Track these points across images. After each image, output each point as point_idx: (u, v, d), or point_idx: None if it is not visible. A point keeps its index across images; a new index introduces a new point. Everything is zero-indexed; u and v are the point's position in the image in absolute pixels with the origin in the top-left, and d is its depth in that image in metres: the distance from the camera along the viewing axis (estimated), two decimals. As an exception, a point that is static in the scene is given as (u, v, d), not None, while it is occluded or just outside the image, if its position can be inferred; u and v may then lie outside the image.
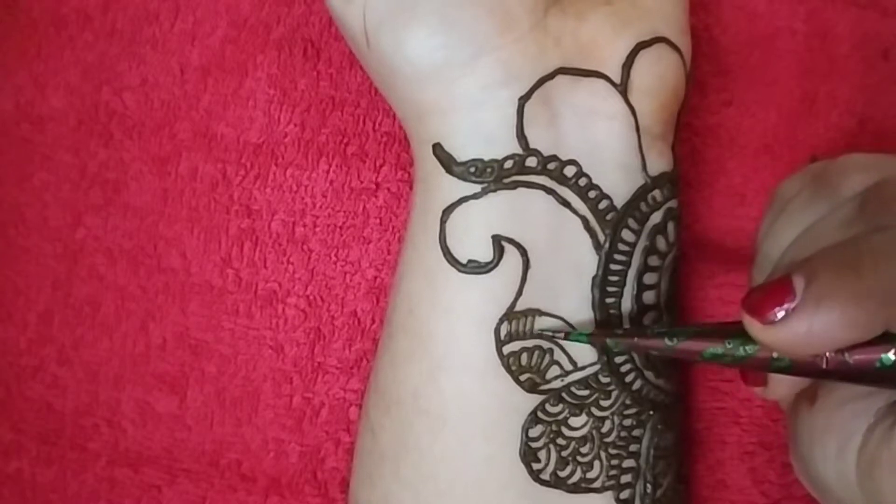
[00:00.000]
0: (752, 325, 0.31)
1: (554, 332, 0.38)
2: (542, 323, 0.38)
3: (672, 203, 0.39)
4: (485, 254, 0.37)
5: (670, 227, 0.39)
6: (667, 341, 0.34)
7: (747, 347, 0.33)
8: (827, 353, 0.31)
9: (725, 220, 0.46)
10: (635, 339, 0.36)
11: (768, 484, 0.45)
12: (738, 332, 0.33)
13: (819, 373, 0.32)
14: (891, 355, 0.30)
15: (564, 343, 0.38)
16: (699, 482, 0.45)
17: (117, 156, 0.47)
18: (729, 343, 0.33)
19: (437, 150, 0.38)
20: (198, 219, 0.47)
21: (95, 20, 0.48)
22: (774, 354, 0.32)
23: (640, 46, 0.38)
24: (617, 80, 0.38)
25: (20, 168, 0.48)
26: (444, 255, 0.38)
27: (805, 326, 0.30)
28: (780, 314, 0.30)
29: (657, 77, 0.38)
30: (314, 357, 0.46)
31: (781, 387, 0.36)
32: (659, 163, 0.39)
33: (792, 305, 0.30)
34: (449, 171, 0.37)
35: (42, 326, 0.47)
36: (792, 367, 0.32)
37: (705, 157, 0.46)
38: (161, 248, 0.47)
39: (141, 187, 0.47)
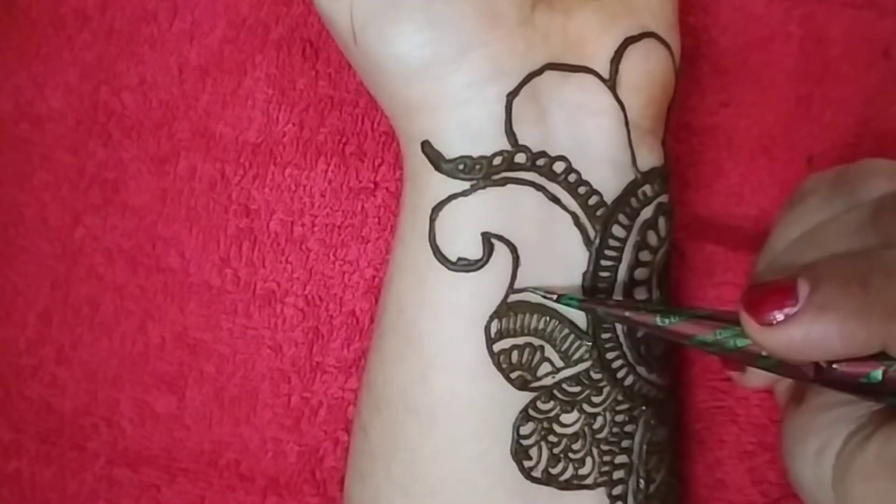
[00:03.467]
0: (749, 324, 0.31)
1: (546, 292, 0.37)
2: (533, 322, 0.38)
3: (663, 198, 0.39)
4: (474, 251, 0.37)
5: (661, 222, 0.39)
6: (658, 320, 0.34)
7: (738, 341, 0.32)
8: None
9: (723, 220, 0.46)
10: (626, 312, 0.35)
11: (767, 484, 0.44)
12: (732, 322, 0.32)
13: (803, 376, 0.32)
14: (878, 373, 0.30)
15: (556, 340, 0.38)
16: (697, 481, 0.45)
17: (116, 155, 0.48)
18: (720, 334, 0.32)
19: (426, 147, 0.38)
20: (196, 218, 0.47)
21: (94, 20, 0.48)
22: (764, 352, 0.32)
23: (629, 41, 0.38)
24: (605, 75, 0.38)
25: (19, 168, 0.48)
26: (434, 253, 0.37)
27: (802, 333, 0.30)
28: (779, 317, 0.30)
29: (646, 72, 0.38)
30: (312, 356, 0.46)
31: (757, 379, 0.36)
32: (649, 158, 0.39)
33: (793, 310, 0.30)
34: (437, 168, 0.37)
35: (41, 326, 0.48)
36: (779, 368, 0.32)
37: (703, 157, 0.46)
38: (160, 247, 0.47)
39: (139, 187, 0.47)
